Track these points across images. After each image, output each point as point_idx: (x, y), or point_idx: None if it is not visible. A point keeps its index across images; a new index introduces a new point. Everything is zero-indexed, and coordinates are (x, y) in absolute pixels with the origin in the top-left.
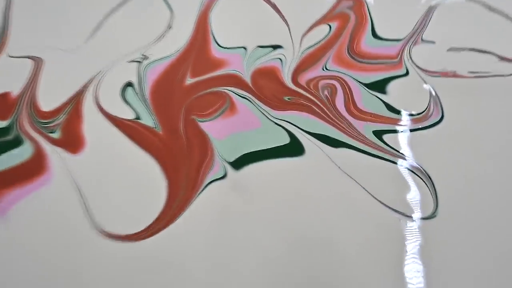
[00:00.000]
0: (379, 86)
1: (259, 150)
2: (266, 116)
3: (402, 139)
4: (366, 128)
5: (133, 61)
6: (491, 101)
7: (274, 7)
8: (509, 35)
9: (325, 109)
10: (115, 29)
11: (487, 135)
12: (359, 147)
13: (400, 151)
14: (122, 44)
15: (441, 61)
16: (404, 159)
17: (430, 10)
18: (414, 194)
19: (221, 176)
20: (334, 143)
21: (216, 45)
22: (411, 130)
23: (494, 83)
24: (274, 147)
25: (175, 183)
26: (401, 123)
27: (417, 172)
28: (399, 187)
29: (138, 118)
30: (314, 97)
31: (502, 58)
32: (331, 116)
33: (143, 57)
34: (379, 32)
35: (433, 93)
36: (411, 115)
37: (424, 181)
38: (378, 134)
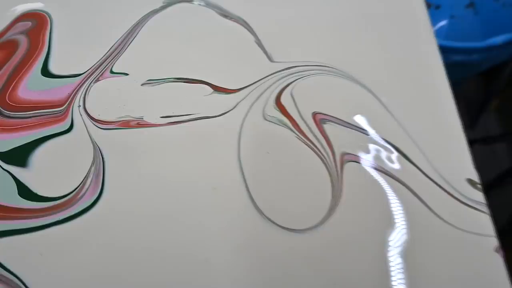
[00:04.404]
0: (19, 156)
1: None
2: None
3: None
4: None
5: None
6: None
7: None
8: (232, 51)
9: None
10: None
11: None
12: None
13: None
14: None
15: (126, 103)
16: None
17: (140, 22)
18: None
19: None
20: None
21: None
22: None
23: (198, 132)
24: None
25: None
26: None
27: None
28: None
29: None
30: None
31: (217, 88)
32: None
33: None
34: (53, 66)
35: (99, 159)
36: (52, 199)
37: None
38: None
